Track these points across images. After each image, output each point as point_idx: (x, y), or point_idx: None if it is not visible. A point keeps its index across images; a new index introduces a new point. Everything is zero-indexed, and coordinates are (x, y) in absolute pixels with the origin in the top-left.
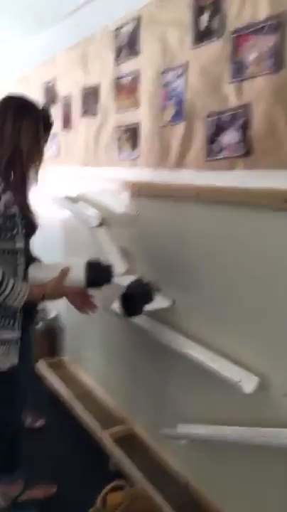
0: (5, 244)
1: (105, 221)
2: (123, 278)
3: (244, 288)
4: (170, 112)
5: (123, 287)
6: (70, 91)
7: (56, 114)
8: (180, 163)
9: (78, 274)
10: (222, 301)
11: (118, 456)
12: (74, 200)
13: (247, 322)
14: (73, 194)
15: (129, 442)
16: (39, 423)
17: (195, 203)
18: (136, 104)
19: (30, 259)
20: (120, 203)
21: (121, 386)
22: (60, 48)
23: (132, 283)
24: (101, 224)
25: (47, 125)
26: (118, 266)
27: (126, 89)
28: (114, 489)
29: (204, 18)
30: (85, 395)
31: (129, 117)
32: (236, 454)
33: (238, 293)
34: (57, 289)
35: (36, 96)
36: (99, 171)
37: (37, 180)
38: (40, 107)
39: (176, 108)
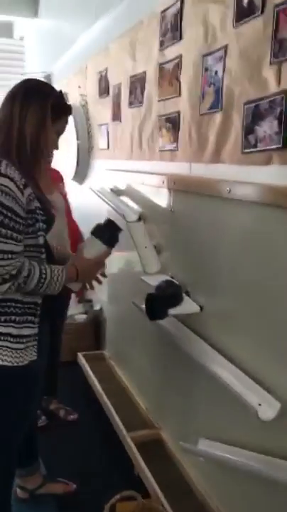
0: (29, 240)
1: (144, 216)
2: (154, 277)
3: (281, 300)
4: (209, 99)
5: (153, 287)
6: (120, 81)
7: (107, 105)
8: (216, 156)
9: (93, 243)
10: (253, 312)
11: (139, 461)
12: (117, 193)
13: (279, 339)
14: (116, 188)
15: (154, 448)
16: (72, 417)
17: (229, 200)
18: (177, 91)
19: (50, 253)
20: (158, 198)
21: (154, 389)
22: (113, 37)
23: (161, 284)
24: (139, 219)
25: (60, 111)
26: (152, 264)
27: (169, 76)
28: (127, 498)
29: None
30: (119, 393)
31: (170, 106)
32: (256, 481)
33: (271, 305)
34: (86, 262)
35: (93, 87)
36: (141, 164)
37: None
38: (55, 91)
39: (215, 95)
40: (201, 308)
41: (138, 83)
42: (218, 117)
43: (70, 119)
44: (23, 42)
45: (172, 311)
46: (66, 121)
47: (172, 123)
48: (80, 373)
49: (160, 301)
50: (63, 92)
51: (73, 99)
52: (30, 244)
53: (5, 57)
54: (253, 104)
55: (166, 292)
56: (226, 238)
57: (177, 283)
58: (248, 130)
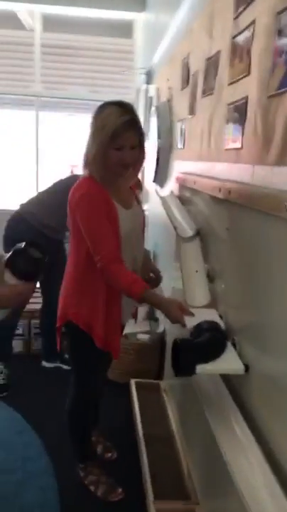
0: None
1: (202, 234)
2: (198, 312)
3: None
4: (279, 74)
5: (189, 329)
6: (198, 67)
7: (185, 97)
8: (283, 154)
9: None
10: None
11: None
12: (183, 201)
13: None
14: (184, 194)
15: None
16: (109, 455)
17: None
18: (246, 68)
19: None
20: (214, 211)
21: (203, 447)
22: (196, 15)
23: (200, 324)
24: (193, 236)
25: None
26: (200, 295)
27: (240, 51)
28: None
29: None
30: (162, 441)
31: (239, 90)
32: None
33: None
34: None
35: (177, 78)
36: (207, 166)
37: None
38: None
39: (285, 68)
40: (247, 368)
41: (212, 67)
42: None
43: (153, 116)
44: (132, 40)
45: (202, 369)
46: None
47: (239, 112)
48: (128, 401)
49: (190, 351)
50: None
51: (163, 94)
52: None
53: (116, 57)
54: None
55: (202, 339)
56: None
57: (222, 326)
58: None
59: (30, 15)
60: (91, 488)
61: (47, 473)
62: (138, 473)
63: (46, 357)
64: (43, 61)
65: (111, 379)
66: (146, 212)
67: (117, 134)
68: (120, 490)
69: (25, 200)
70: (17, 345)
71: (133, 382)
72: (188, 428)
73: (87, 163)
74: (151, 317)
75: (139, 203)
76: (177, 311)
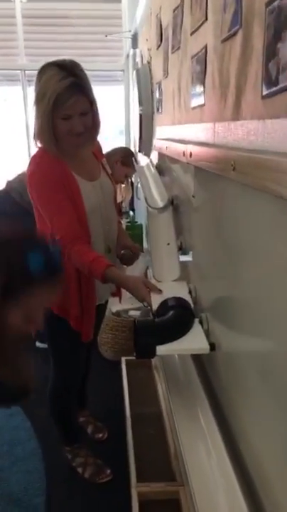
0: None
1: (174, 203)
2: (166, 288)
3: None
4: (230, 13)
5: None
6: (168, 20)
7: (160, 57)
8: (236, 108)
9: None
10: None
11: None
12: (160, 171)
13: None
14: (160, 164)
15: (166, 509)
16: (100, 435)
17: (237, 185)
18: (204, 13)
19: None
20: (183, 178)
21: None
22: None
23: (165, 302)
24: (164, 208)
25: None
26: (170, 270)
27: None
28: None
29: None
30: (151, 418)
31: (199, 40)
32: None
33: None
34: None
35: (153, 37)
36: (178, 130)
37: None
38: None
39: (235, 4)
40: (212, 346)
41: (178, 17)
42: (238, 40)
43: (135, 82)
44: (121, 4)
45: (163, 350)
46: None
47: (200, 64)
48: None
49: (148, 334)
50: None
51: (144, 57)
52: None
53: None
54: (277, 1)
55: (165, 319)
56: (242, 240)
57: (190, 302)
58: (270, 53)
59: None
60: (79, 470)
61: (34, 456)
62: (127, 454)
63: (40, 337)
64: (26, 33)
65: (106, 358)
66: (139, 185)
67: (60, 101)
68: (108, 471)
69: (11, 176)
70: None
71: (123, 360)
72: (177, 406)
73: (37, 136)
74: None
75: (108, 173)
76: (142, 289)
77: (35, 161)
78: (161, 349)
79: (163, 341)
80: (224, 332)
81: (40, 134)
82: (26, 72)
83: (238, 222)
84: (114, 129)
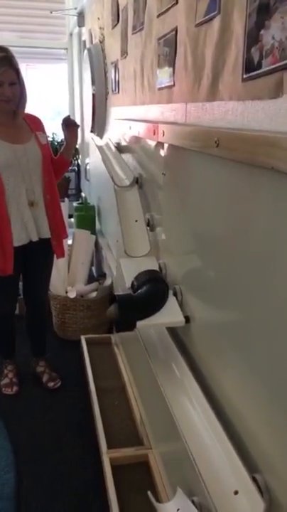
0: None
1: (139, 181)
2: (137, 263)
3: None
4: (205, 0)
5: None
6: (127, 0)
7: (117, 37)
8: (213, 89)
9: None
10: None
11: (111, 493)
12: (121, 150)
13: None
14: (120, 143)
15: (137, 472)
16: (52, 384)
17: (220, 160)
18: None
19: None
20: (152, 157)
21: (154, 396)
22: None
23: (139, 277)
24: (130, 186)
25: None
26: (140, 245)
27: None
28: None
29: None
30: (115, 391)
31: (168, 22)
32: None
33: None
34: None
35: (107, 16)
36: (142, 110)
37: None
38: None
39: None
40: (187, 319)
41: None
42: (216, 25)
43: (86, 61)
44: None
45: (142, 324)
46: None
47: (169, 46)
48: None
49: (129, 309)
50: None
51: (95, 36)
52: None
53: None
54: None
55: (141, 293)
56: (223, 216)
57: (162, 277)
58: (252, 39)
59: None
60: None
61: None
62: (93, 425)
63: None
64: None
65: (64, 338)
66: (88, 167)
67: None
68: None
69: None
70: None
71: (83, 338)
72: (139, 377)
73: None
74: (99, 274)
75: (40, 143)
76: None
77: None
78: (140, 323)
79: (145, 315)
80: (198, 302)
81: None
82: None
83: (212, 197)
84: (52, 109)
